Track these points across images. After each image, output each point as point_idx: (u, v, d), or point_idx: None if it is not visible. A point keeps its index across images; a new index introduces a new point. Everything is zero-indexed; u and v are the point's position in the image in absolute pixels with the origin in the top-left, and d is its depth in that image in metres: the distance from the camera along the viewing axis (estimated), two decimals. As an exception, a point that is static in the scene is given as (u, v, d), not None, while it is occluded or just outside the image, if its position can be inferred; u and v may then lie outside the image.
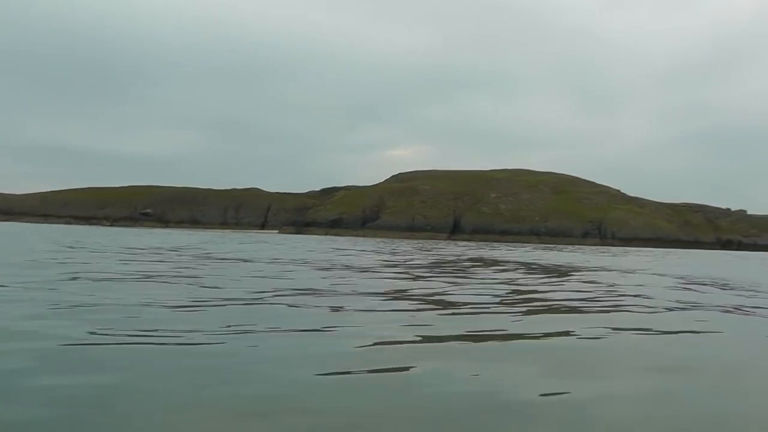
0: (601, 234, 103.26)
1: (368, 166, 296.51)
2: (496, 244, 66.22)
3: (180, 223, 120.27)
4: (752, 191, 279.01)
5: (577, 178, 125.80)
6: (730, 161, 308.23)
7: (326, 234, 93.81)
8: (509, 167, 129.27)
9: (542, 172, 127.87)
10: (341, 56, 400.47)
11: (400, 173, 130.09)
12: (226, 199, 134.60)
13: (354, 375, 4.09)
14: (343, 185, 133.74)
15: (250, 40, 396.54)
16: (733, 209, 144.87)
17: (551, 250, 48.69)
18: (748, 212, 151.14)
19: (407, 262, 20.01)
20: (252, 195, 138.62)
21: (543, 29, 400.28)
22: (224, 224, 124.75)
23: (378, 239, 73.74)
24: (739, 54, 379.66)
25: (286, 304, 7.49)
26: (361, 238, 75.62)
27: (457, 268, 17.32)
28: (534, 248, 52.38)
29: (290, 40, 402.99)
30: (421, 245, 46.85)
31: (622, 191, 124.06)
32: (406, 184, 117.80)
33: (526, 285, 12.14)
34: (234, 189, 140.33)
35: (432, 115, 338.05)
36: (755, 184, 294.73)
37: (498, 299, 8.96)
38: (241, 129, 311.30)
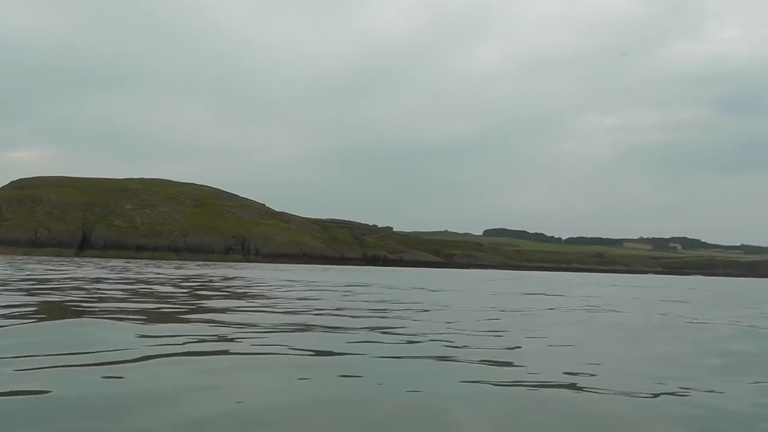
0: (244, 250, 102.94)
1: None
2: (134, 261, 61.78)
3: None
4: (398, 209, 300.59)
5: (221, 190, 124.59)
6: (377, 178, 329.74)
7: None
8: (146, 176, 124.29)
9: (183, 183, 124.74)
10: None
11: (20, 179, 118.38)
12: None
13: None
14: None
15: None
16: (380, 226, 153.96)
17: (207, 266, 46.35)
18: (395, 229, 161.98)
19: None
20: None
21: (189, 27, 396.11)
22: None
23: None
24: (388, 72, 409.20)
25: None
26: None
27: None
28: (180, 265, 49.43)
29: None
30: (48, 263, 41.34)
31: (267, 206, 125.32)
32: (27, 192, 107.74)
33: None
34: None
35: (59, 112, 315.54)
36: (401, 201, 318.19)
37: None
38: None
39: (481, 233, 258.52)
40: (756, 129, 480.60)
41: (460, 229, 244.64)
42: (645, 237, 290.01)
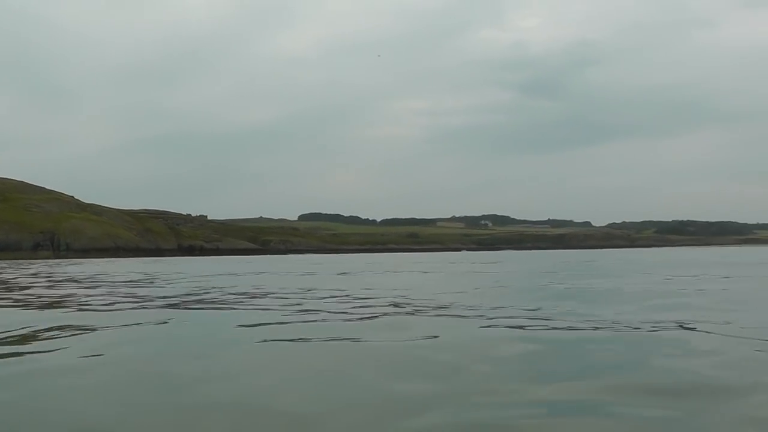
0: (54, 246, 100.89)
1: None
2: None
3: None
4: (212, 197, 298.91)
5: (26, 183, 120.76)
6: (189, 167, 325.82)
7: None
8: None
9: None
10: None
11: None
12: None
13: None
14: None
15: None
16: (194, 215, 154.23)
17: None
18: (209, 217, 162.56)
19: None
20: None
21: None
22: None
23: None
24: (195, 59, 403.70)
25: None
26: None
27: None
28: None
29: None
30: None
31: (77, 198, 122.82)
32: None
33: None
34: None
35: None
36: (215, 189, 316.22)
37: None
38: None
39: (296, 218, 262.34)
40: (557, 111, 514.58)
41: (276, 215, 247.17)
42: (457, 216, 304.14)
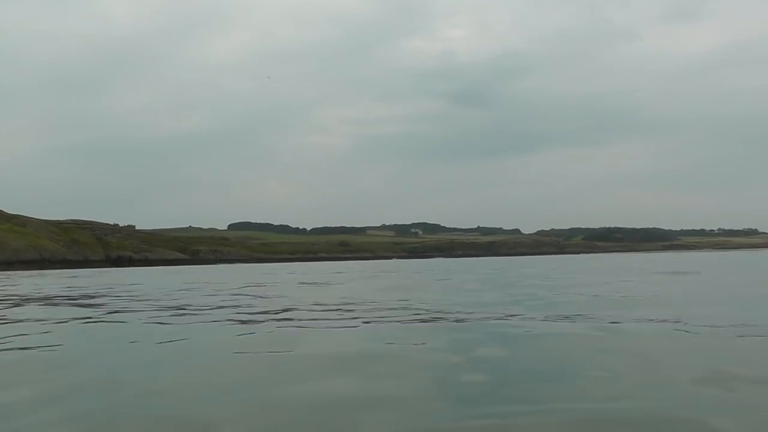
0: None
1: None
2: None
3: None
4: (139, 207, 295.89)
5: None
6: (116, 175, 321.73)
7: None
8: None
9: None
10: None
11: None
12: None
13: None
14: None
15: None
16: (122, 225, 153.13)
17: None
18: (137, 227, 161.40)
19: None
20: None
21: None
22: None
23: None
24: (122, 63, 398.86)
25: None
26: None
27: None
28: None
29: None
30: None
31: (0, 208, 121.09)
32: None
33: None
34: None
35: None
36: (142, 199, 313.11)
37: None
38: None
39: (226, 227, 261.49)
40: (486, 120, 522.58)
41: (205, 225, 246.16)
42: (387, 224, 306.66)
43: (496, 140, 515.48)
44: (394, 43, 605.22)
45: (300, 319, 10.59)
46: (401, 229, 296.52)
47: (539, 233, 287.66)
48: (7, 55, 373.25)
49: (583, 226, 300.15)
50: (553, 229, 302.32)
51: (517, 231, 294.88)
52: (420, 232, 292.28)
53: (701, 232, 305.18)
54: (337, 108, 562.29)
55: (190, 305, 14.11)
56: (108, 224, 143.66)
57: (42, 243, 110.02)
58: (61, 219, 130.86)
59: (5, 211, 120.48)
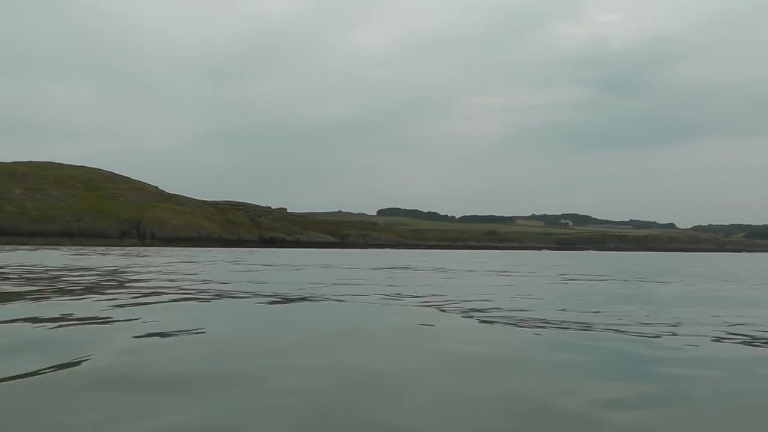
0: (139, 234, 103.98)
1: None
2: (25, 248, 62.40)
3: None
4: (291, 190, 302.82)
5: (112, 173, 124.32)
6: (268, 160, 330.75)
7: None
8: (35, 159, 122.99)
9: (73, 166, 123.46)
10: None
11: None
12: None
13: None
14: None
15: None
16: (273, 207, 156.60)
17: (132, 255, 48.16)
18: (288, 210, 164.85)
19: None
20: None
21: (67, 8, 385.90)
22: None
23: None
24: (273, 54, 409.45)
25: None
26: None
27: None
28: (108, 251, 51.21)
29: None
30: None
31: (160, 188, 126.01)
32: None
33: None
34: None
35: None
36: (293, 183, 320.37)
37: None
38: None
39: (375, 213, 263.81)
40: (638, 108, 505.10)
41: (354, 209, 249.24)
42: (537, 214, 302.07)
43: (650, 129, 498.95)
44: (542, 30, 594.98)
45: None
46: (550, 220, 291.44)
47: (695, 228, 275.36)
48: (167, 47, 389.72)
49: (744, 223, 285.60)
50: (710, 225, 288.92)
51: (671, 225, 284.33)
52: (570, 223, 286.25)
53: None
54: (483, 96, 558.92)
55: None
56: (261, 206, 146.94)
57: (199, 222, 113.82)
58: (217, 200, 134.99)
59: (165, 191, 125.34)
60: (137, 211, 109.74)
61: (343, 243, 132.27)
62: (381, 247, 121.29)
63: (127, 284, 12.49)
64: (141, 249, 66.31)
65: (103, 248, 66.08)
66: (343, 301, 9.57)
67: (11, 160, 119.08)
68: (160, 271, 18.22)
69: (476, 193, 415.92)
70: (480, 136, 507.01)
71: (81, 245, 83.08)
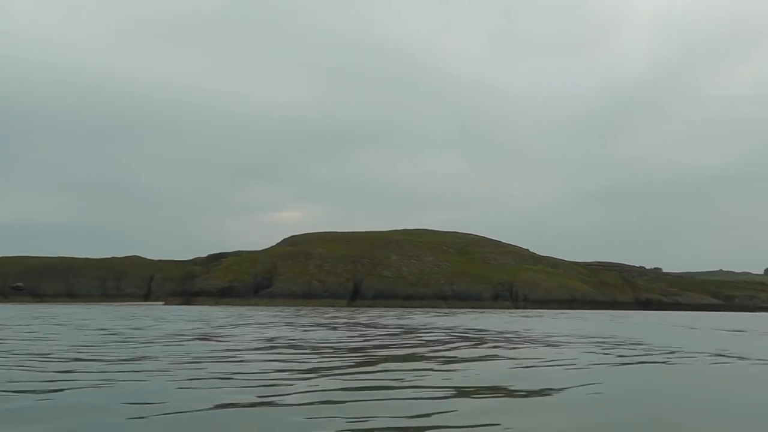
0: (512, 296, 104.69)
1: (256, 230, 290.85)
2: (418, 311, 65.06)
3: (55, 297, 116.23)
4: (665, 248, 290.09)
5: (483, 237, 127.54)
6: (639, 217, 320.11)
7: (216, 304, 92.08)
8: (408, 228, 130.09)
9: (445, 232, 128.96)
10: (222, 111, 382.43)
11: (292, 236, 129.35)
12: (105, 269, 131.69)
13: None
14: (230, 251, 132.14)
15: (128, 96, 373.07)
16: (647, 267, 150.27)
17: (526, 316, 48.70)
18: (664, 270, 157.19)
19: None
20: (133, 263, 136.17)
21: (434, 80, 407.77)
22: (104, 296, 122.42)
23: (275, 307, 73.57)
24: (635, 106, 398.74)
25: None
26: (257, 307, 75.09)
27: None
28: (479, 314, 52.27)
29: (172, 95, 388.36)
30: (352, 315, 46.04)
31: (531, 251, 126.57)
32: (299, 248, 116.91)
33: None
34: (113, 257, 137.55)
35: (320, 173, 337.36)
36: (666, 241, 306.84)
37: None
38: (118, 192, 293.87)
39: (761, 272, 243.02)
40: None
41: (737, 268, 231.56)
42: None
43: None
44: None
45: None
46: None
47: None
48: (530, 110, 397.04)
49: None
50: None
51: None
52: None
53: None
54: None
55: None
56: (634, 266, 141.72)
57: (572, 284, 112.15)
58: (588, 261, 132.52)
59: (537, 253, 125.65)
60: (509, 273, 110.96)
61: (727, 305, 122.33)
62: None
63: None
64: (524, 311, 66.22)
65: (498, 311, 66.94)
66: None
67: (388, 229, 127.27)
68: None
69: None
70: None
71: (454, 307, 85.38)
